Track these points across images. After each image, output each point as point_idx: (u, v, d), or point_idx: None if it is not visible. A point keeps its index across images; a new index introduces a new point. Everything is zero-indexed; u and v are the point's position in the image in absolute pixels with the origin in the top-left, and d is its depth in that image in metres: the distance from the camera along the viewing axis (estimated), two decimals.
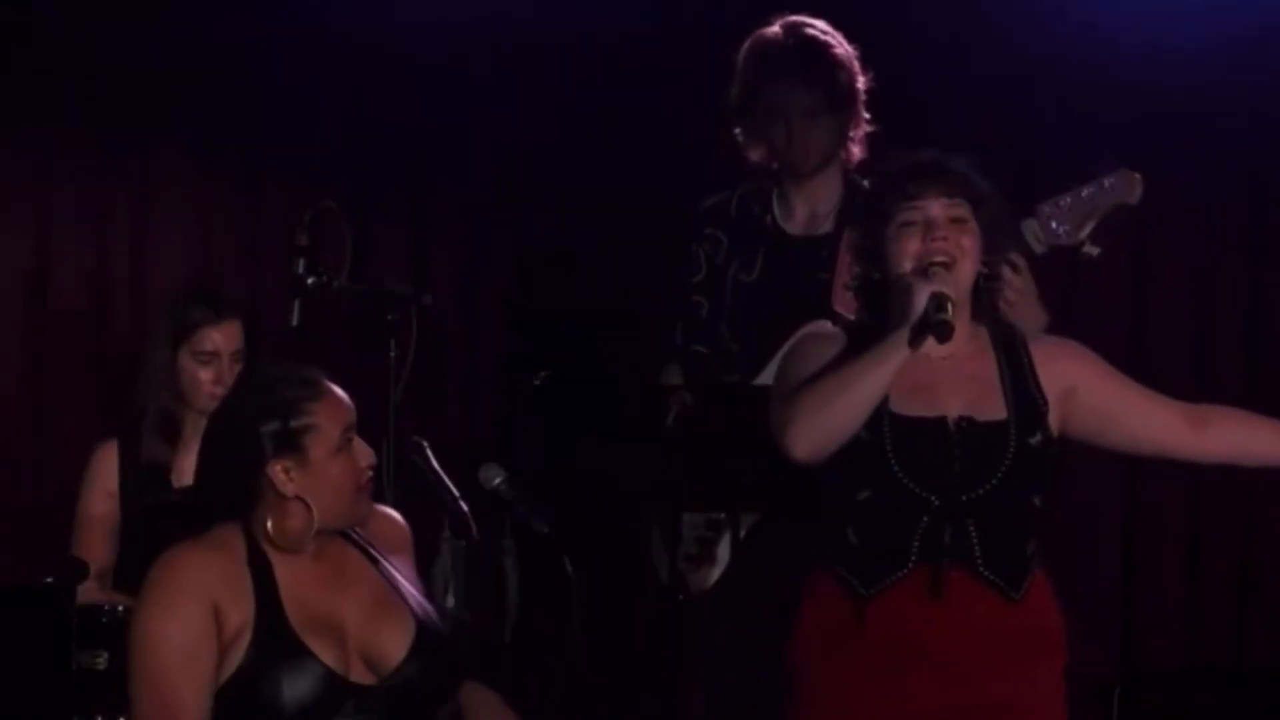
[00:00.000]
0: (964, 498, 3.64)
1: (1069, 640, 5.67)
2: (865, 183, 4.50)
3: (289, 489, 3.35)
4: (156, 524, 4.76)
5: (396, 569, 3.47)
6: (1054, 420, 3.74)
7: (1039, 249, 4.23)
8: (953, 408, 3.66)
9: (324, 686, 3.29)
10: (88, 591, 4.55)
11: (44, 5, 5.65)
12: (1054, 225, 4.21)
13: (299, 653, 3.29)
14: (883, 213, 3.64)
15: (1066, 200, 4.22)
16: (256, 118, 5.82)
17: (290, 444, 3.35)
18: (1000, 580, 3.71)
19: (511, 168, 5.91)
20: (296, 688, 3.28)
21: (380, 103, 5.81)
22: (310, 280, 4.87)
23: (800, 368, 3.69)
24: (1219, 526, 5.85)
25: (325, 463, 3.37)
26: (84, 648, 4.40)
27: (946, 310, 3.54)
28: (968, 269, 3.63)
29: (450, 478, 4.38)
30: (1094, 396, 3.80)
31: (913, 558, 3.64)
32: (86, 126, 5.74)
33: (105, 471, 4.89)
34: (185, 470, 4.83)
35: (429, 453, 4.43)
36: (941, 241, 3.60)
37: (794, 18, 4.45)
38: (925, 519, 3.63)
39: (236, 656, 3.29)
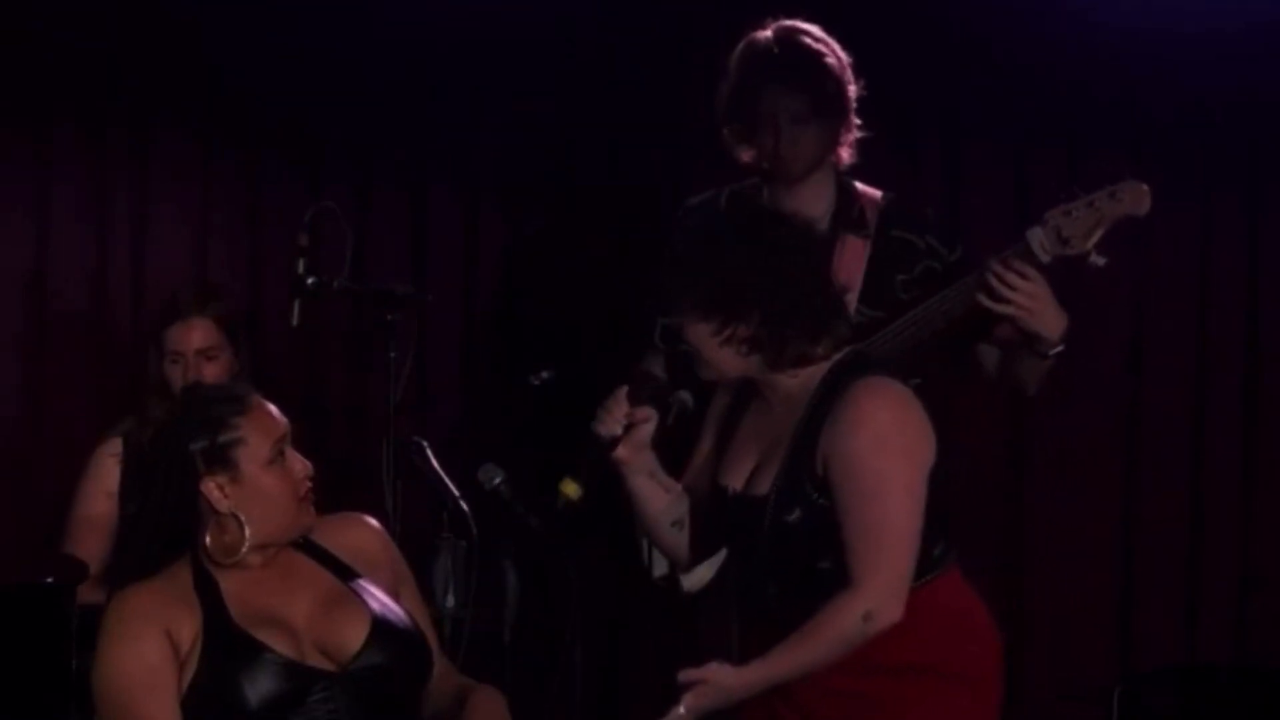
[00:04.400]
0: (745, 565, 3.67)
1: (1057, 642, 5.68)
2: (859, 185, 4.52)
3: (224, 505, 3.39)
4: None
5: (371, 582, 3.47)
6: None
7: (1044, 258, 4.21)
8: (739, 477, 3.69)
9: (284, 675, 3.32)
10: (87, 592, 4.55)
11: (43, 6, 5.65)
12: (1061, 234, 4.19)
13: (250, 647, 3.33)
14: None
15: (1075, 209, 4.20)
16: (257, 118, 5.81)
17: (220, 459, 3.39)
18: None
19: (511, 167, 5.90)
20: (256, 682, 3.31)
21: (379, 103, 5.81)
22: (310, 280, 4.88)
23: None
24: (1219, 526, 5.85)
25: (258, 476, 3.40)
26: (84, 648, 4.40)
27: (570, 486, 3.70)
28: (705, 356, 3.63)
29: (450, 478, 4.38)
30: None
31: (730, 616, 3.74)
32: (86, 127, 5.74)
33: (107, 471, 4.89)
34: None
35: (429, 453, 4.43)
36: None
37: (787, 23, 4.45)
38: (728, 579, 3.73)
39: (191, 668, 3.33)
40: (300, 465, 3.46)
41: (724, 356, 3.62)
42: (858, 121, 4.45)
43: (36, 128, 5.71)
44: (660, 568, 4.25)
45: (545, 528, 3.92)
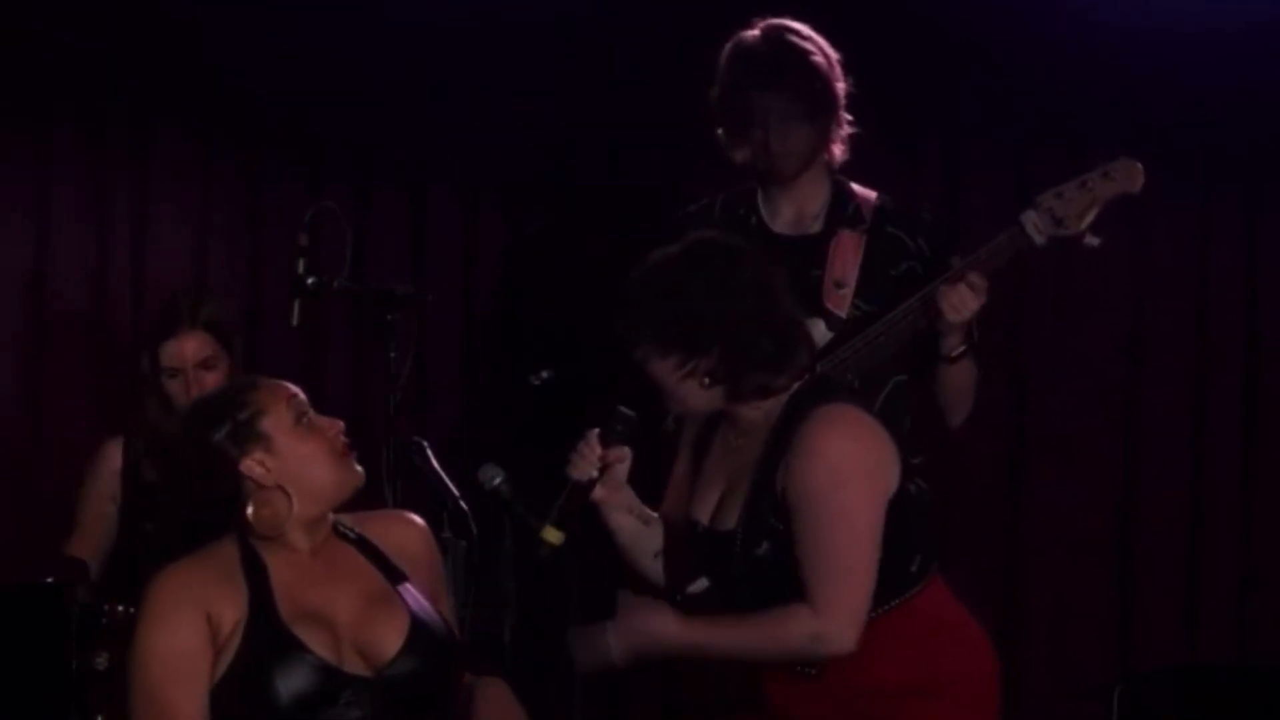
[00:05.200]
0: (722, 599, 3.66)
1: (1056, 642, 5.66)
2: (855, 186, 4.52)
3: (268, 479, 3.37)
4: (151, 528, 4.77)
5: (414, 583, 3.46)
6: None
7: (1039, 240, 4.23)
8: (706, 510, 3.68)
9: (317, 676, 3.30)
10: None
11: (43, 5, 5.65)
12: (1055, 215, 4.21)
13: (289, 645, 3.31)
14: None
15: (1068, 190, 4.22)
16: (257, 118, 5.82)
17: (248, 435, 3.38)
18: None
19: (511, 167, 5.90)
20: (290, 679, 3.28)
21: (379, 103, 5.81)
22: (310, 280, 4.87)
23: None
24: (1219, 526, 5.85)
25: (290, 440, 3.39)
26: (84, 648, 4.40)
27: (555, 529, 3.70)
28: (670, 390, 3.61)
29: (450, 478, 4.38)
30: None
31: None
32: (86, 127, 5.74)
33: (108, 473, 4.88)
34: None
35: (429, 453, 4.43)
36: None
37: (774, 21, 4.46)
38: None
39: (230, 654, 3.31)
40: (329, 422, 3.45)
41: (687, 391, 3.61)
42: (849, 118, 4.46)
43: (36, 128, 5.72)
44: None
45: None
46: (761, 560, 3.57)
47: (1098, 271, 5.78)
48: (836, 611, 3.51)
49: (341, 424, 3.47)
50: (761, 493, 3.58)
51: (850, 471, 3.52)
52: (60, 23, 5.64)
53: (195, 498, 3.41)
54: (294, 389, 3.46)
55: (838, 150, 4.47)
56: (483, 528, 4.23)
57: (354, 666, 3.34)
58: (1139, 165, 4.20)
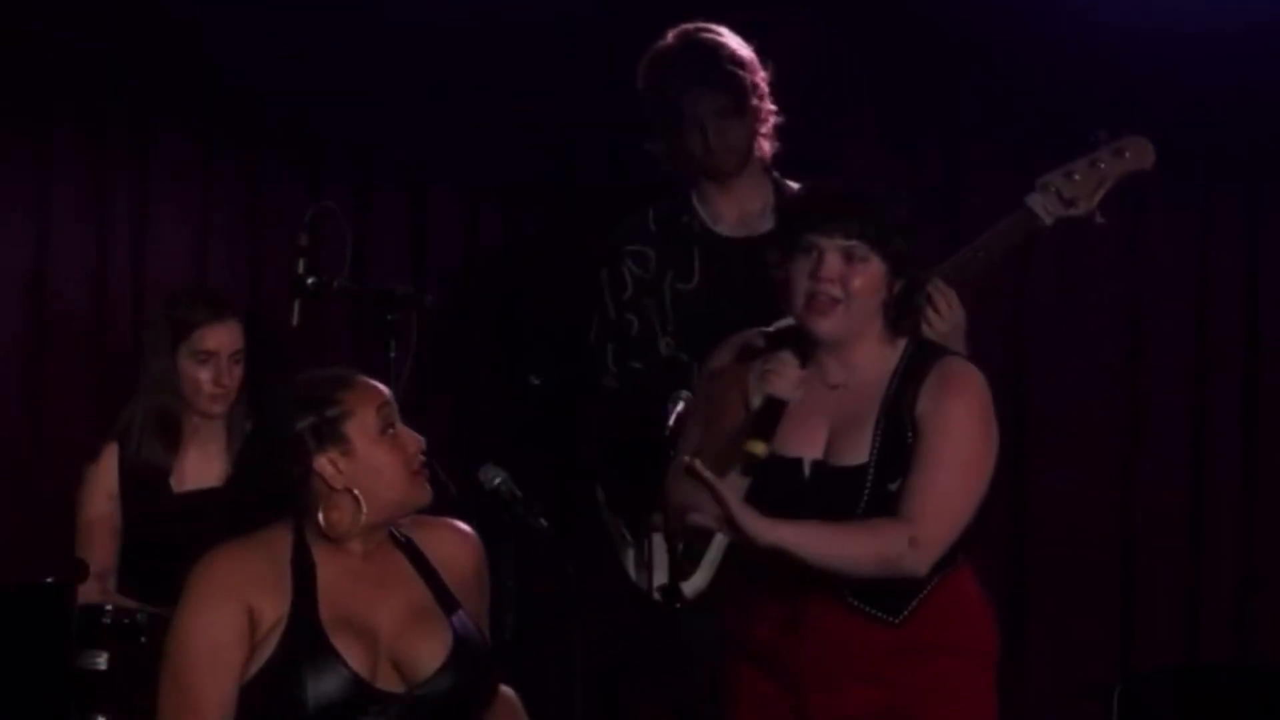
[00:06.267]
0: None
1: (1057, 641, 5.66)
2: (790, 183, 4.52)
3: (339, 481, 3.35)
4: (158, 528, 4.77)
5: (460, 599, 3.45)
6: None
7: (1047, 220, 4.22)
8: (813, 447, 3.68)
9: (348, 689, 3.28)
10: (89, 592, 4.55)
11: (43, 5, 5.65)
12: (1064, 196, 4.19)
13: (326, 653, 3.29)
14: (789, 240, 3.73)
15: (1077, 170, 4.20)
16: (257, 118, 5.82)
17: (331, 434, 3.36)
18: (872, 607, 3.66)
19: (511, 167, 5.90)
20: (320, 687, 3.27)
21: (379, 103, 5.81)
22: (310, 280, 4.88)
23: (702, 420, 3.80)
24: (1219, 526, 5.85)
25: (370, 449, 3.37)
26: (84, 648, 4.40)
27: (760, 441, 3.61)
28: (859, 306, 3.65)
29: (450, 478, 4.38)
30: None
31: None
32: (86, 127, 5.74)
33: (106, 476, 4.87)
34: (186, 474, 4.83)
35: (429, 453, 4.43)
36: (827, 283, 3.64)
37: (688, 25, 4.50)
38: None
39: (267, 651, 3.29)
40: (412, 439, 3.43)
41: (868, 305, 3.67)
42: (773, 108, 4.47)
43: (36, 128, 5.72)
44: (660, 577, 4.25)
45: (547, 527, 3.93)
46: (892, 496, 3.62)
47: (1098, 271, 5.78)
48: (930, 537, 3.59)
49: (422, 441, 3.45)
50: (896, 427, 3.64)
51: (988, 418, 3.68)
52: (60, 23, 5.64)
53: (260, 477, 3.40)
54: (386, 395, 3.44)
55: (767, 145, 4.50)
56: (483, 528, 4.23)
57: (387, 681, 3.33)
58: (1149, 143, 4.20)
